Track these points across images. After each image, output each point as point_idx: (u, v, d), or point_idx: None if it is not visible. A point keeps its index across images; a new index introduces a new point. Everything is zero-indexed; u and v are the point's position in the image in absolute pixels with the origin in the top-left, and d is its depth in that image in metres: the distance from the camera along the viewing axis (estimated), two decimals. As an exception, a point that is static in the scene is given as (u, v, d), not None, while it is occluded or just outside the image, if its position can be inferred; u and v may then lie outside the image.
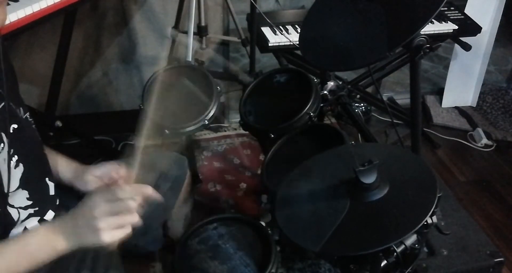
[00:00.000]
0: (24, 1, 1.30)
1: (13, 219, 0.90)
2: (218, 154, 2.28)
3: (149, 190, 0.89)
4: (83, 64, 2.29)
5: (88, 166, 1.10)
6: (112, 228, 0.81)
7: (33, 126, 0.99)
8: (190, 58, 1.90)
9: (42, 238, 0.83)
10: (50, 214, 1.00)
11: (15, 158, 0.88)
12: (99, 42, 2.26)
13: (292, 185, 1.01)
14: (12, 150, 0.86)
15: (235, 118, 2.44)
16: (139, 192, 0.88)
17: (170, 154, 1.36)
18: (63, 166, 1.10)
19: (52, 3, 1.37)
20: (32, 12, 1.30)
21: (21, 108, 0.94)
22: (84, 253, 0.98)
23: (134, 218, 0.83)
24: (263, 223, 1.12)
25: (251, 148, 2.33)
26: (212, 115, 1.45)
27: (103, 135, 2.34)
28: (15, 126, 0.89)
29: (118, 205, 0.82)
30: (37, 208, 0.95)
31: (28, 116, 0.97)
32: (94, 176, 1.07)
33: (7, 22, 1.23)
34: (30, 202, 0.93)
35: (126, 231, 0.83)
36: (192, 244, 1.10)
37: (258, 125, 1.45)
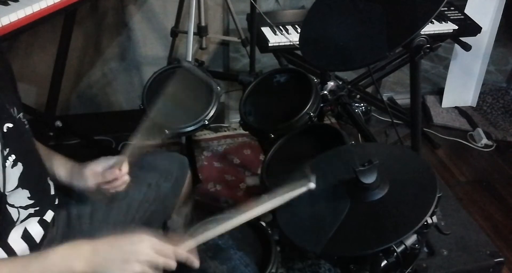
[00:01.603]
0: (24, 1, 1.30)
1: (13, 219, 0.90)
2: (218, 154, 2.28)
3: (196, 264, 0.87)
4: (83, 64, 2.29)
5: (86, 163, 1.07)
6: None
7: (27, 127, 0.98)
8: (190, 58, 1.90)
9: (62, 257, 0.79)
10: (49, 214, 1.00)
11: (12, 157, 0.87)
12: (99, 42, 2.26)
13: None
14: (7, 149, 0.86)
15: (235, 118, 2.44)
16: (185, 258, 0.85)
17: (170, 154, 1.36)
18: (60, 165, 1.08)
19: (52, 3, 1.37)
20: (32, 12, 1.30)
21: (14, 108, 0.93)
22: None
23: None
24: (263, 223, 1.12)
25: (251, 148, 2.33)
26: (212, 115, 1.45)
27: (103, 135, 2.34)
28: (10, 125, 0.88)
29: (161, 261, 0.80)
30: (37, 208, 0.95)
31: (22, 117, 0.96)
32: (94, 172, 1.05)
33: (7, 22, 1.23)
34: (31, 202, 0.93)
35: None
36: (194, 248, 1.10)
37: (258, 125, 1.45)
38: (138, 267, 0.78)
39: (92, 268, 0.78)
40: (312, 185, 0.89)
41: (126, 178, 1.05)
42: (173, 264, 0.81)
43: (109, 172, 1.03)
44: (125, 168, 1.05)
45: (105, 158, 1.07)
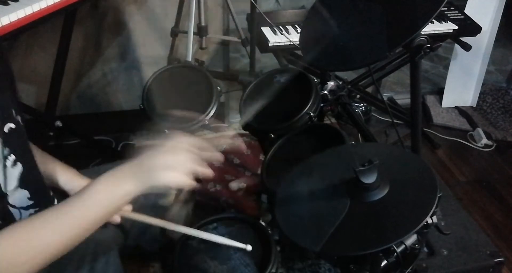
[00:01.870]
0: (24, 1, 1.30)
1: (15, 219, 0.90)
2: (218, 154, 2.28)
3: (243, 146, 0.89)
4: (83, 64, 2.29)
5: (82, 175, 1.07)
6: (187, 172, 0.80)
7: (23, 128, 0.98)
8: (190, 58, 1.90)
9: (107, 189, 0.78)
10: None
11: (12, 157, 0.87)
12: (99, 42, 2.26)
13: (292, 185, 1.01)
14: (7, 149, 0.86)
15: (235, 118, 2.44)
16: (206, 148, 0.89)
17: None
18: (60, 173, 1.07)
19: (52, 3, 1.37)
20: (32, 12, 1.30)
21: (13, 110, 0.94)
22: (84, 253, 0.98)
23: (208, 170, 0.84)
24: (263, 223, 1.12)
25: (251, 148, 2.32)
26: (212, 115, 1.45)
27: (103, 135, 2.34)
28: (12, 126, 0.88)
29: (201, 153, 0.84)
30: (38, 209, 0.95)
31: (19, 119, 0.96)
32: None
33: (7, 22, 1.23)
34: (31, 202, 0.93)
35: (193, 181, 0.81)
36: (192, 244, 1.10)
37: (258, 125, 1.45)
38: (186, 165, 0.79)
39: (143, 185, 0.78)
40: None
41: None
42: (217, 155, 0.87)
43: None
44: None
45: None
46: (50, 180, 1.06)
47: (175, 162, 0.79)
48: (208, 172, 0.83)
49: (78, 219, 0.76)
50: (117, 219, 0.94)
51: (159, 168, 0.79)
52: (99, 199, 0.77)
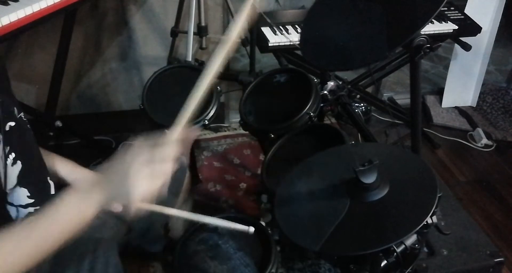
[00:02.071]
0: (24, 1, 1.30)
1: (11, 218, 0.90)
2: (218, 154, 2.28)
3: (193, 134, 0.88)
4: (83, 64, 2.29)
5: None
6: (145, 191, 0.80)
7: (28, 125, 0.98)
8: (190, 58, 1.90)
9: (70, 207, 0.79)
10: None
11: (12, 155, 0.88)
12: (99, 42, 2.26)
13: (292, 185, 1.01)
14: (8, 148, 0.86)
15: (235, 118, 2.44)
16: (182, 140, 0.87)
17: None
18: (64, 167, 1.08)
19: (52, 3, 1.37)
20: (32, 12, 1.30)
21: (15, 108, 0.94)
22: (84, 253, 0.97)
23: (169, 168, 0.82)
24: (263, 223, 1.12)
25: (251, 148, 2.32)
26: (212, 115, 1.45)
27: (103, 135, 2.34)
28: (12, 124, 0.88)
29: (155, 168, 0.81)
30: (37, 207, 0.95)
31: (23, 116, 0.96)
32: None
33: (7, 22, 1.23)
34: (31, 201, 0.93)
35: (159, 184, 0.81)
36: (192, 244, 1.10)
37: (258, 125, 1.45)
38: (144, 184, 0.79)
39: (104, 202, 0.79)
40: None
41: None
42: (170, 168, 0.82)
43: None
44: None
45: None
46: (53, 174, 1.07)
47: (137, 174, 0.79)
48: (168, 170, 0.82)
49: (48, 231, 0.78)
50: (118, 207, 0.93)
51: (118, 190, 0.80)
52: (67, 212, 0.79)
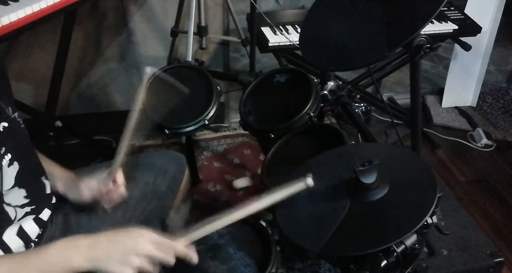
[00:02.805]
0: (24, 1, 1.30)
1: (10, 218, 0.90)
2: (218, 154, 2.28)
3: (194, 259, 0.85)
4: (83, 64, 2.29)
5: (81, 177, 1.07)
6: (138, 269, 0.78)
7: (22, 126, 0.98)
8: (190, 58, 1.90)
9: (60, 252, 0.79)
10: (46, 212, 1.00)
11: (8, 156, 0.87)
12: (99, 42, 2.26)
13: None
14: (3, 149, 0.86)
15: (235, 118, 2.44)
16: (184, 254, 0.84)
17: (167, 152, 1.36)
18: (57, 177, 1.08)
19: (52, 3, 1.37)
20: (32, 12, 1.30)
21: (9, 108, 0.94)
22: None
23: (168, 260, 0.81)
24: (263, 223, 1.12)
25: (251, 148, 2.32)
26: (212, 115, 1.45)
27: (103, 135, 2.34)
28: (5, 124, 0.88)
29: (160, 256, 0.80)
30: (33, 207, 0.95)
31: (17, 116, 0.96)
32: (89, 186, 1.05)
33: (7, 22, 1.23)
34: (27, 201, 0.93)
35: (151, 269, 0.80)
36: (192, 244, 1.10)
37: (258, 125, 1.45)
38: (137, 261, 0.77)
39: (91, 262, 0.78)
40: (309, 181, 0.86)
41: (122, 190, 1.05)
42: (171, 260, 0.81)
43: (104, 185, 1.04)
44: (120, 178, 1.05)
45: (100, 171, 1.07)
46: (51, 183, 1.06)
47: (129, 256, 0.78)
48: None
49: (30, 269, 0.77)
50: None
51: (111, 257, 0.78)
52: (49, 266, 0.78)
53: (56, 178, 1.08)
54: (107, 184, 1.04)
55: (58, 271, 0.78)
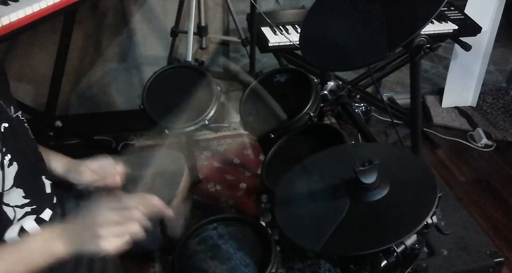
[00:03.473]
0: (24, 1, 1.30)
1: (9, 218, 0.90)
2: (218, 154, 2.28)
3: (156, 201, 0.88)
4: (83, 64, 2.29)
5: (82, 160, 1.10)
6: (113, 237, 0.80)
7: (26, 124, 0.98)
8: (190, 58, 1.90)
9: (40, 241, 0.82)
10: (47, 212, 1.00)
11: (8, 156, 0.88)
12: (99, 42, 2.26)
13: (292, 185, 1.01)
14: (4, 149, 0.86)
15: (235, 118, 2.44)
16: (146, 202, 0.87)
17: (166, 151, 1.36)
18: (56, 160, 1.10)
19: (52, 3, 1.37)
20: (32, 12, 1.30)
21: (11, 107, 0.94)
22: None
23: (136, 228, 0.82)
24: (263, 223, 1.12)
25: (251, 148, 2.33)
26: (212, 115, 1.45)
27: (103, 135, 2.34)
28: (6, 125, 0.88)
29: (121, 214, 0.82)
30: (34, 206, 0.95)
31: (20, 115, 0.96)
32: (89, 168, 1.08)
33: (7, 22, 1.23)
34: (26, 200, 0.93)
35: (126, 240, 0.82)
36: (192, 244, 1.10)
37: (258, 125, 1.45)
38: (103, 230, 0.80)
39: (70, 246, 0.80)
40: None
41: (118, 178, 1.07)
42: (136, 214, 0.83)
43: (103, 168, 1.07)
44: (119, 167, 1.07)
45: (103, 156, 1.09)
46: (50, 171, 1.07)
47: (94, 229, 0.80)
48: (136, 230, 0.82)
49: (8, 265, 0.79)
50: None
51: (82, 237, 0.81)
52: (27, 254, 0.80)
53: (56, 160, 1.09)
54: (107, 167, 1.06)
55: (39, 260, 0.80)
